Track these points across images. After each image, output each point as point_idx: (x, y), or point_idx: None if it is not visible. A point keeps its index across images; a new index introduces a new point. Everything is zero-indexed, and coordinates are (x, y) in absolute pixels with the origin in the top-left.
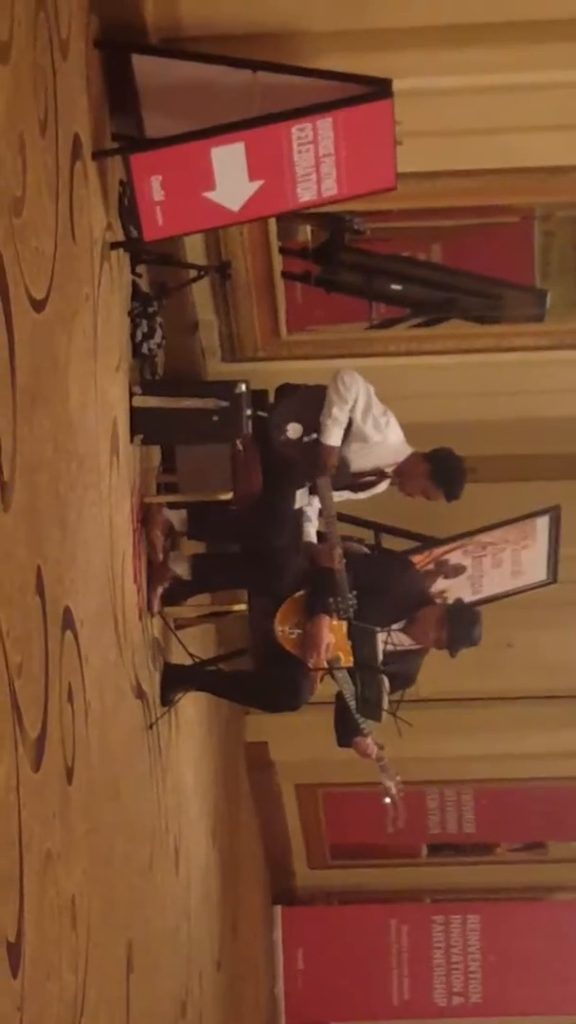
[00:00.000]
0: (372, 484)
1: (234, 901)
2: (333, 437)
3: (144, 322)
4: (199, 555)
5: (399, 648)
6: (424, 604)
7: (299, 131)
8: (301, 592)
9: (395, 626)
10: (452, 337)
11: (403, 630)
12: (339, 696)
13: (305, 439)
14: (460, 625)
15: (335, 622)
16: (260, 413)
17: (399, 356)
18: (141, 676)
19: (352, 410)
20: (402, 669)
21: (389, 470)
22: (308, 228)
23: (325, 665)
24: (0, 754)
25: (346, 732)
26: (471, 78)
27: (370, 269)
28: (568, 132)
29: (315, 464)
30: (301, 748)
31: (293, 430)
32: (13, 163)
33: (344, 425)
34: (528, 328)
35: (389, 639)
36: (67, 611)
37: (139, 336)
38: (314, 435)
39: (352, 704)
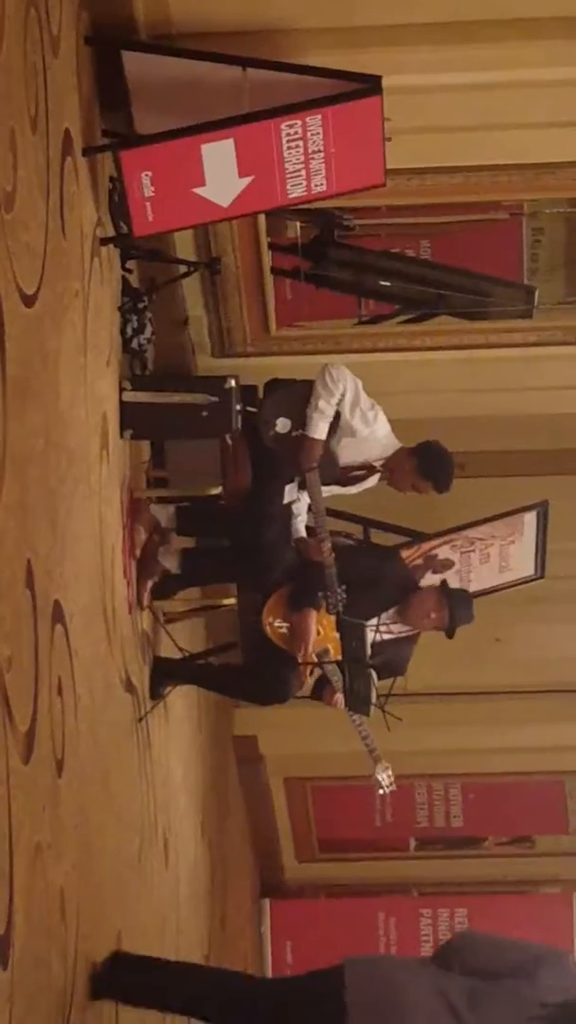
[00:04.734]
0: (361, 479)
1: (222, 894)
2: (319, 430)
3: (134, 317)
4: (188, 549)
5: (393, 636)
6: (414, 592)
7: (289, 128)
8: (290, 586)
9: (389, 613)
10: (441, 333)
11: (399, 617)
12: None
13: (294, 434)
14: (458, 603)
15: (324, 616)
16: (249, 408)
17: (388, 352)
18: (131, 670)
19: (339, 404)
20: (394, 657)
21: (378, 464)
22: (298, 224)
23: (314, 659)
24: None
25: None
26: (460, 75)
27: (359, 265)
28: (557, 129)
29: (303, 459)
30: (290, 742)
31: (282, 425)
32: (4, 159)
33: (330, 418)
34: (517, 324)
35: (383, 627)
36: (57, 605)
37: (129, 331)
38: (302, 430)
39: (341, 698)
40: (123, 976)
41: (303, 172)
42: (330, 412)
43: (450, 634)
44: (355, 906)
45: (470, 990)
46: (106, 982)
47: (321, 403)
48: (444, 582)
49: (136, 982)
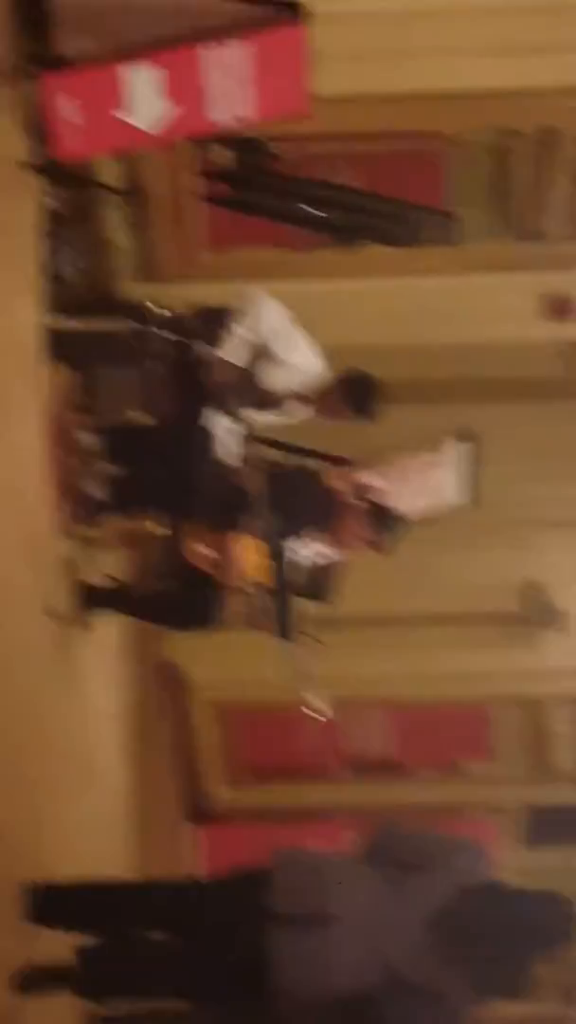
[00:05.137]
0: (288, 406)
1: (150, 821)
2: (238, 356)
3: (58, 243)
4: (114, 476)
5: (320, 561)
6: (342, 513)
7: (213, 53)
8: (215, 512)
9: (316, 538)
10: (367, 261)
11: (329, 540)
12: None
13: (219, 360)
14: (387, 520)
15: (250, 541)
16: (175, 335)
17: (314, 279)
18: (56, 597)
19: (265, 332)
20: (321, 583)
21: (305, 392)
22: (222, 150)
23: (240, 584)
24: None
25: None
26: (386, 2)
27: (284, 192)
28: (484, 57)
29: (228, 386)
30: (217, 668)
31: (207, 352)
32: None
33: (255, 346)
34: (443, 252)
35: (310, 552)
36: None
37: (54, 258)
38: (227, 357)
39: (268, 623)
40: (54, 903)
41: (226, 98)
42: (251, 338)
43: (384, 552)
44: (283, 831)
45: (391, 876)
46: (37, 909)
47: (242, 330)
48: (372, 503)
49: (68, 907)
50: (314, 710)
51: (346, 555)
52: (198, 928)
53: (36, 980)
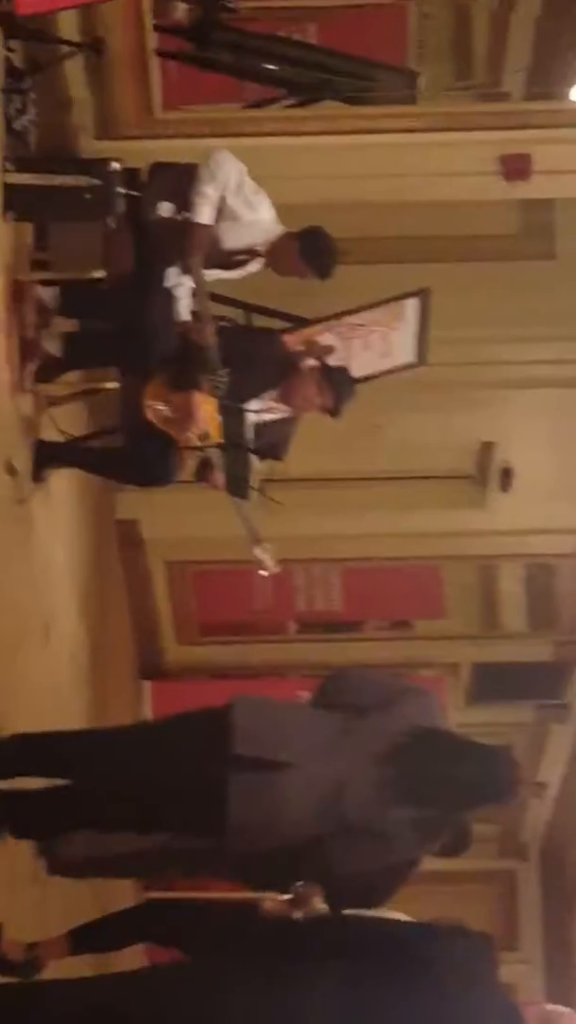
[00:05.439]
0: (244, 263)
1: (103, 677)
2: (204, 215)
3: (17, 98)
4: (71, 333)
5: (274, 419)
6: (296, 373)
7: None
8: (172, 370)
9: (270, 396)
10: (325, 118)
11: (281, 400)
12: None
13: (177, 217)
14: (340, 380)
15: (206, 399)
16: (133, 192)
17: (272, 136)
18: (12, 453)
19: (223, 188)
20: (274, 441)
21: (260, 249)
22: (182, 5)
23: (195, 442)
24: None
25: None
26: None
27: (244, 48)
28: None
29: (186, 243)
30: (171, 526)
31: (165, 209)
32: None
33: (215, 204)
34: (402, 110)
35: (264, 410)
36: None
37: (12, 112)
38: (186, 214)
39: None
40: (13, 752)
41: None
42: (215, 197)
43: (335, 413)
44: (236, 687)
45: (343, 721)
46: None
47: (206, 188)
48: (324, 363)
49: (27, 757)
50: (262, 567)
51: (298, 416)
52: (158, 764)
53: None
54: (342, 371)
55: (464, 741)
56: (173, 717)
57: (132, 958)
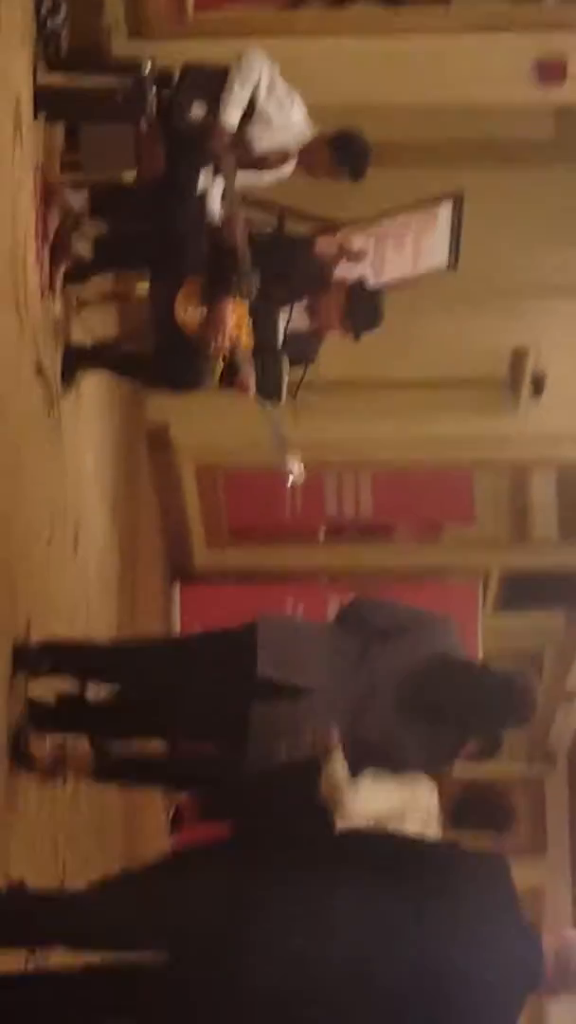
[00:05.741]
0: (276, 165)
1: (132, 581)
2: (232, 116)
3: None
4: (102, 235)
5: (301, 330)
6: (326, 285)
7: None
8: (204, 274)
9: (297, 307)
10: (359, 19)
11: (309, 312)
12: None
13: (209, 119)
14: (364, 307)
15: (237, 303)
16: (165, 92)
17: (306, 37)
18: (43, 355)
19: (255, 89)
20: (306, 346)
21: (293, 151)
22: None
23: (227, 346)
24: None
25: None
26: None
27: None
28: None
29: (216, 144)
30: (202, 430)
31: (197, 109)
32: None
33: (244, 104)
34: (435, 11)
35: (291, 320)
36: None
37: (44, 13)
38: (217, 115)
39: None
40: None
41: None
42: (245, 97)
43: (356, 337)
44: (264, 592)
45: (363, 646)
46: (29, 664)
47: (237, 88)
48: (357, 283)
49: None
50: (289, 475)
51: (323, 329)
52: (183, 683)
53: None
54: (371, 297)
55: (480, 668)
56: (199, 635)
57: None
